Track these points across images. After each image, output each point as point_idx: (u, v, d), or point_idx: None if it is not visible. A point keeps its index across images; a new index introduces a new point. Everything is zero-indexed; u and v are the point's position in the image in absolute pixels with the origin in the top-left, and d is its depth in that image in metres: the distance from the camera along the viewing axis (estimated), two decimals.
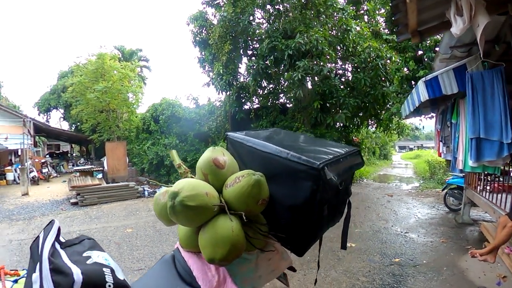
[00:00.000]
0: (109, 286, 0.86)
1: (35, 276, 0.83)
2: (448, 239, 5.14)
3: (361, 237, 5.42)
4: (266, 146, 1.35)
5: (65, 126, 25.90)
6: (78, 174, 12.71)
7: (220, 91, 11.83)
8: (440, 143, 5.92)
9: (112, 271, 0.91)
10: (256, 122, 11.72)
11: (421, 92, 4.31)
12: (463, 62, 4.04)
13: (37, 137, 21.63)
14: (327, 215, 1.35)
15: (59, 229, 1.03)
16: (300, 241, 1.39)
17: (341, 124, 11.29)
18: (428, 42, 8.79)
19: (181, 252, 1.40)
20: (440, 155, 6.27)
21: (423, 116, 8.29)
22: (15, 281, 1.05)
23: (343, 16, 10.44)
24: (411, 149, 57.13)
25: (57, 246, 0.98)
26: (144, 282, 1.33)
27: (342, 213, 1.62)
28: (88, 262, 0.92)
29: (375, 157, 25.70)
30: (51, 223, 1.03)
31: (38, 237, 0.98)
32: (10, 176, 14.06)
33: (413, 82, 9.43)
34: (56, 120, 39.19)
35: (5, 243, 5.70)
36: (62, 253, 0.94)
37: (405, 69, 9.82)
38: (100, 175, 12.35)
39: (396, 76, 9.95)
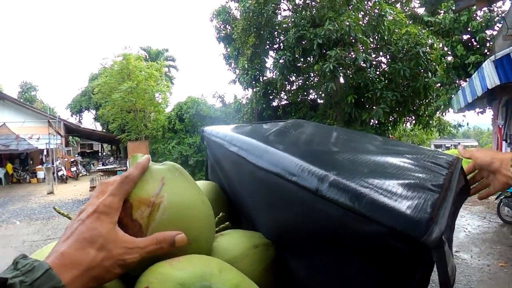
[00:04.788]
0: None
1: None
2: (507, 262, 4.30)
3: None
4: (267, 154, 0.62)
5: (98, 126, 26.97)
6: (102, 173, 12.70)
7: (246, 88, 11.33)
8: (504, 142, 4.91)
9: None
10: (285, 120, 11.06)
11: (488, 76, 3.43)
12: None
13: (70, 137, 22.55)
14: None
15: None
16: None
17: (376, 121, 10.30)
18: (480, 20, 7.64)
19: None
20: None
21: (477, 109, 7.21)
22: None
23: (376, 0, 9.48)
24: (447, 148, 53.57)
25: None
26: None
27: None
28: None
29: None
30: None
31: None
32: (40, 174, 14.51)
33: (461, 71, 8.30)
34: (90, 120, 40.88)
35: (18, 244, 5.63)
36: None
37: (449, 57, 8.68)
38: None
39: (441, 65, 8.83)
